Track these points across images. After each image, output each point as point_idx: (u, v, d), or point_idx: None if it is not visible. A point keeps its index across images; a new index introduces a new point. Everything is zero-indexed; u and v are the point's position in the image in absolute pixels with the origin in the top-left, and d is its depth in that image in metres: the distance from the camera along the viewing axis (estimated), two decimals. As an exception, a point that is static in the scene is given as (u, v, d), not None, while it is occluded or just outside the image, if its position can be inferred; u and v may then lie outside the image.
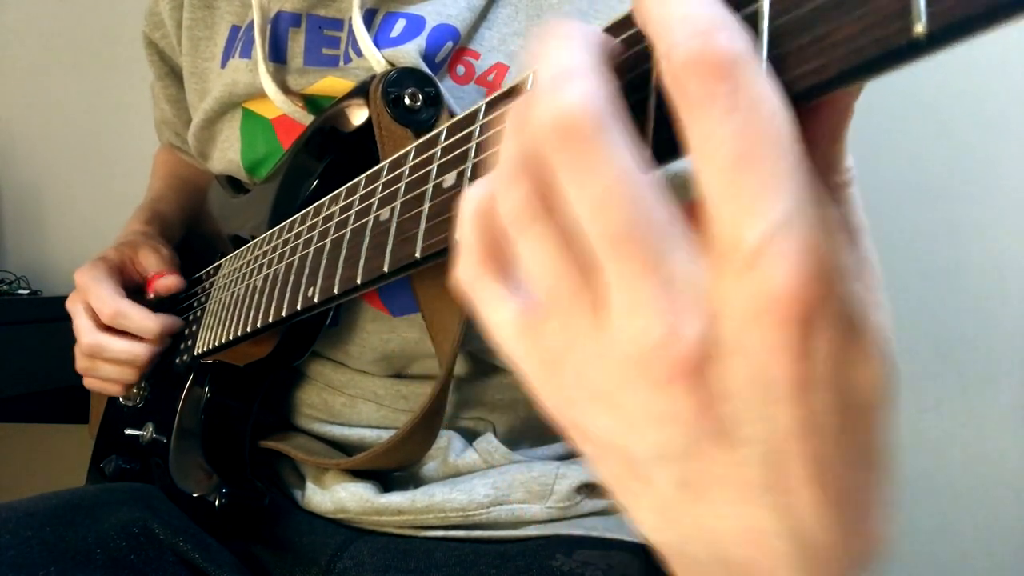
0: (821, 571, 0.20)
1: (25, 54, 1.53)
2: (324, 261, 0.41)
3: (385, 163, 0.38)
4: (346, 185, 0.42)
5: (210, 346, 0.56)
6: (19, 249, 1.53)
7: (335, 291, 0.39)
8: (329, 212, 0.43)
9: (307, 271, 0.43)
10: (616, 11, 0.23)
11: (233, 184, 0.65)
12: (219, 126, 0.62)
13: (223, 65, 0.60)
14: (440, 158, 0.32)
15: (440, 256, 0.30)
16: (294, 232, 0.47)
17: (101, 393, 0.70)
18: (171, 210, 0.76)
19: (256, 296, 0.50)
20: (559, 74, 0.19)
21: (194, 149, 0.66)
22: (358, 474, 0.55)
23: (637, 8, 0.20)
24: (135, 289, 0.66)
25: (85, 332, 0.61)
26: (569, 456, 0.57)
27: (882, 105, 0.96)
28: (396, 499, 0.52)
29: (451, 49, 0.49)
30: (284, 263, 0.47)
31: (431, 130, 0.34)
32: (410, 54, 0.48)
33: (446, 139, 0.32)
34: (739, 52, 0.17)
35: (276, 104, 0.54)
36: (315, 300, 0.41)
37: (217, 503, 0.51)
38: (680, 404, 0.19)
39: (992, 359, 0.97)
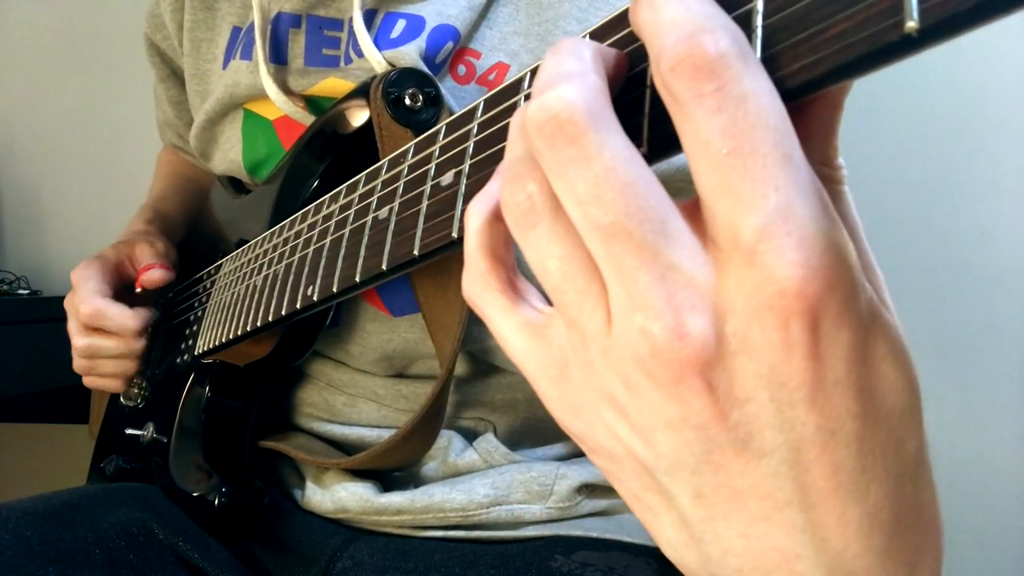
0: None
1: (25, 54, 1.54)
2: (323, 260, 0.41)
3: (384, 161, 0.38)
4: (346, 183, 0.42)
5: (210, 346, 0.56)
6: (19, 249, 1.54)
7: (334, 289, 0.39)
8: (329, 211, 0.43)
9: (307, 270, 0.43)
10: (616, 7, 0.23)
11: (235, 185, 0.66)
12: (220, 127, 0.62)
13: (224, 66, 0.60)
14: (438, 156, 0.32)
15: (438, 254, 0.30)
16: (294, 231, 0.47)
17: (102, 390, 0.71)
18: (173, 210, 0.76)
19: (256, 295, 0.50)
20: (551, 78, 0.19)
21: (196, 150, 0.66)
22: (358, 474, 0.55)
23: (630, 13, 0.20)
24: (132, 286, 0.66)
25: (75, 333, 0.62)
26: (569, 456, 0.57)
27: (882, 105, 0.96)
28: (396, 499, 0.52)
29: (451, 49, 0.49)
30: (284, 263, 0.47)
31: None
32: (410, 55, 0.48)
33: (444, 137, 0.32)
34: (723, 52, 0.17)
35: (277, 105, 0.54)
36: (314, 299, 0.41)
37: (217, 503, 0.51)
38: (691, 407, 0.18)
39: (992, 359, 0.97)
